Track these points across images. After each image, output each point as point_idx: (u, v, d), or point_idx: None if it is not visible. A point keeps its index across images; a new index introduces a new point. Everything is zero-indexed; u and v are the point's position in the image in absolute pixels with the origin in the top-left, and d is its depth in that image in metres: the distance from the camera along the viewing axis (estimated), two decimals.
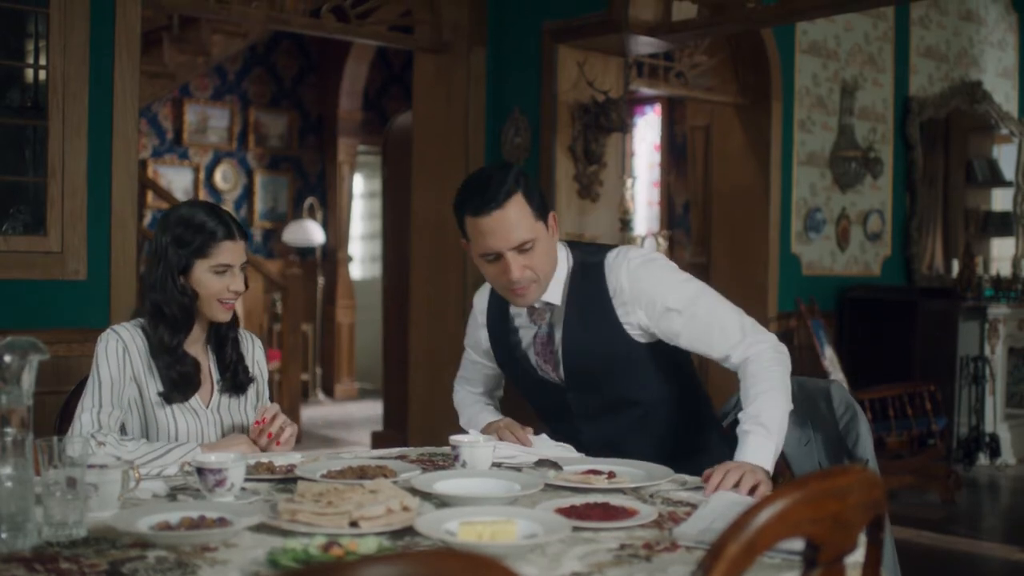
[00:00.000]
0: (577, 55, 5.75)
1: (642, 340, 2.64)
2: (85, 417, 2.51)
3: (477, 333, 2.87)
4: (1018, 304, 7.85)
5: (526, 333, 2.73)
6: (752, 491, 2.18)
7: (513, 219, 2.47)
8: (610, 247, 2.70)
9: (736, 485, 2.19)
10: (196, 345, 2.67)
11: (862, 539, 1.53)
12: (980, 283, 8.00)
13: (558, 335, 2.66)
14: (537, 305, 2.65)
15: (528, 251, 2.50)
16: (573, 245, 2.72)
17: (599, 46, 5.68)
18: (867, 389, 6.64)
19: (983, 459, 7.51)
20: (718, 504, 2.02)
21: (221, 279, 2.60)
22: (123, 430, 2.58)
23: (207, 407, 2.66)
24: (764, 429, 2.37)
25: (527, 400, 2.86)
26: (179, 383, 2.60)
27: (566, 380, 2.68)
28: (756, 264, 7.11)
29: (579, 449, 2.68)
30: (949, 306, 7.45)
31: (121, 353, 2.57)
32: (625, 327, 2.61)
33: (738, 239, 7.28)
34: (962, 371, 7.47)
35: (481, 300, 2.84)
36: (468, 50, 5.99)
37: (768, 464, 2.33)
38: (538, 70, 5.82)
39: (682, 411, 2.75)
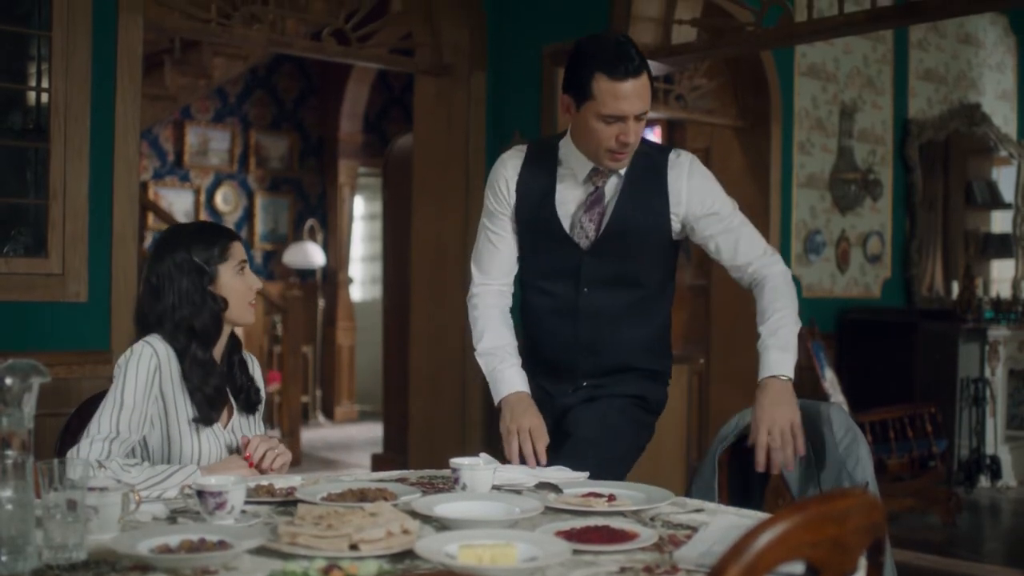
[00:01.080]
0: None
1: (674, 233, 2.89)
2: (96, 446, 2.45)
3: (500, 197, 2.96)
4: (1018, 326, 7.85)
5: (571, 193, 2.88)
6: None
7: (645, 88, 2.70)
8: (670, 147, 2.96)
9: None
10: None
11: (862, 562, 1.53)
12: (980, 305, 8.00)
13: (611, 200, 2.85)
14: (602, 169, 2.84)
15: (641, 120, 2.73)
16: None
17: None
18: (867, 411, 6.63)
19: (984, 481, 7.49)
20: (718, 527, 2.02)
21: (244, 279, 2.66)
22: (144, 445, 2.58)
23: (224, 428, 2.66)
24: (782, 343, 2.71)
25: (530, 262, 2.97)
26: (214, 398, 2.60)
27: (595, 243, 2.85)
28: None
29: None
30: (949, 328, 7.45)
31: (153, 368, 2.54)
32: (671, 215, 2.85)
33: None
34: (962, 393, 7.46)
35: (510, 168, 2.95)
36: (468, 73, 6.01)
37: (790, 371, 2.67)
38: (538, 93, 5.84)
39: (662, 317, 2.98)
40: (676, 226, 2.88)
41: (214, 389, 2.60)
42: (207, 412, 2.58)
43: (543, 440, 2.77)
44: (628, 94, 2.67)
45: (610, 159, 2.77)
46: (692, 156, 2.92)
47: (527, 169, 2.93)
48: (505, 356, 2.95)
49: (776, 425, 2.59)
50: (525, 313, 3.03)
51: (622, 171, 2.83)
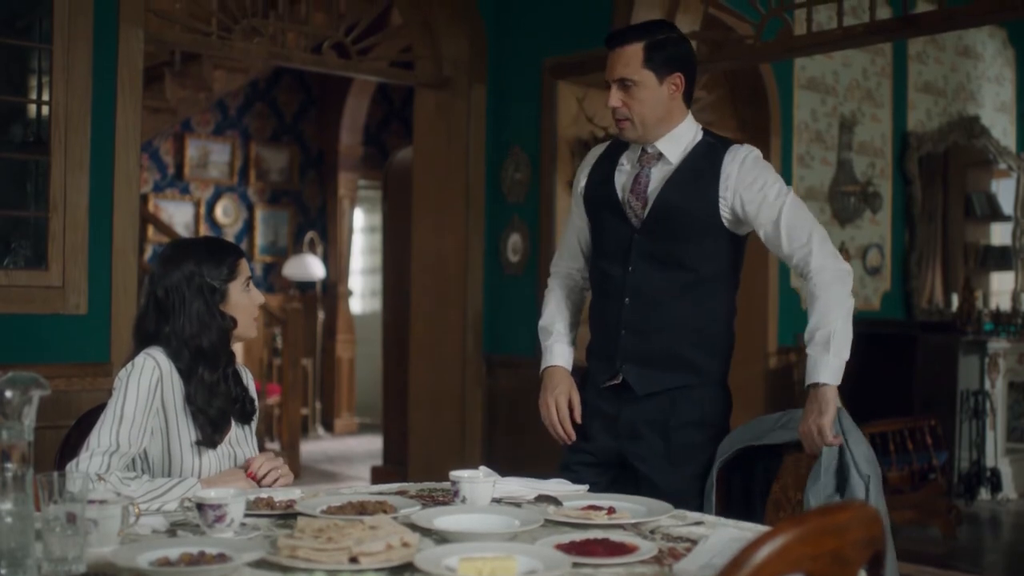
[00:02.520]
0: (577, 91, 5.79)
1: (725, 220, 2.94)
2: (96, 460, 2.45)
3: (577, 180, 3.19)
4: (1018, 338, 7.85)
5: (627, 174, 3.04)
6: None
7: (624, 58, 2.91)
8: (738, 141, 3.06)
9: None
10: None
11: (862, 575, 1.53)
12: (980, 317, 8.00)
13: (655, 182, 2.97)
14: (650, 150, 2.99)
15: (628, 89, 2.91)
16: (707, 131, 3.05)
17: (599, 82, 5.68)
18: (867, 423, 6.61)
19: (984, 494, 7.48)
20: (718, 540, 2.02)
21: (250, 295, 2.69)
22: (145, 457, 2.57)
23: (225, 442, 2.66)
24: (817, 347, 2.85)
25: (596, 244, 3.09)
26: (218, 422, 2.60)
27: (645, 221, 2.95)
28: (756, 298, 7.11)
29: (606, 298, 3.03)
30: (949, 340, 7.44)
31: (155, 381, 2.54)
32: (719, 199, 2.91)
33: None
34: (962, 405, 7.45)
35: (590, 156, 3.18)
36: (468, 86, 6.02)
37: (828, 378, 2.82)
38: (538, 106, 5.85)
39: (713, 310, 3.03)
40: (726, 212, 2.93)
41: (218, 412, 2.60)
42: (210, 435, 2.58)
43: (569, 411, 3.02)
44: (611, 61, 2.94)
45: (616, 127, 3.00)
46: (754, 148, 2.99)
47: (604, 156, 3.13)
48: (554, 332, 3.14)
49: (809, 436, 2.75)
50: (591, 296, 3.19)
51: (676, 159, 2.96)
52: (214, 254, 2.65)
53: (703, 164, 2.94)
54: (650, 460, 2.93)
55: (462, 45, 6.03)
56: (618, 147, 3.10)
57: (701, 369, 2.98)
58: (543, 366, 3.11)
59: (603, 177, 3.07)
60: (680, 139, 2.98)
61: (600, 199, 3.06)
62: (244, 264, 2.69)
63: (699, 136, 3.00)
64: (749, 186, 2.89)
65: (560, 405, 3.02)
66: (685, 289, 2.95)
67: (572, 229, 3.20)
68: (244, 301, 2.67)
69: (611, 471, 2.98)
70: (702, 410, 2.96)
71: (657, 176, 2.97)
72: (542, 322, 3.17)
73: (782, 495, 2.80)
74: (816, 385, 2.80)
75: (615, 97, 2.94)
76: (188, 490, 2.41)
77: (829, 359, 2.82)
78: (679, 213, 2.92)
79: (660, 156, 2.98)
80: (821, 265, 2.86)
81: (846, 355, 2.84)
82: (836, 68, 7.64)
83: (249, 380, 2.82)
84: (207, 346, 2.60)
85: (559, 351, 3.11)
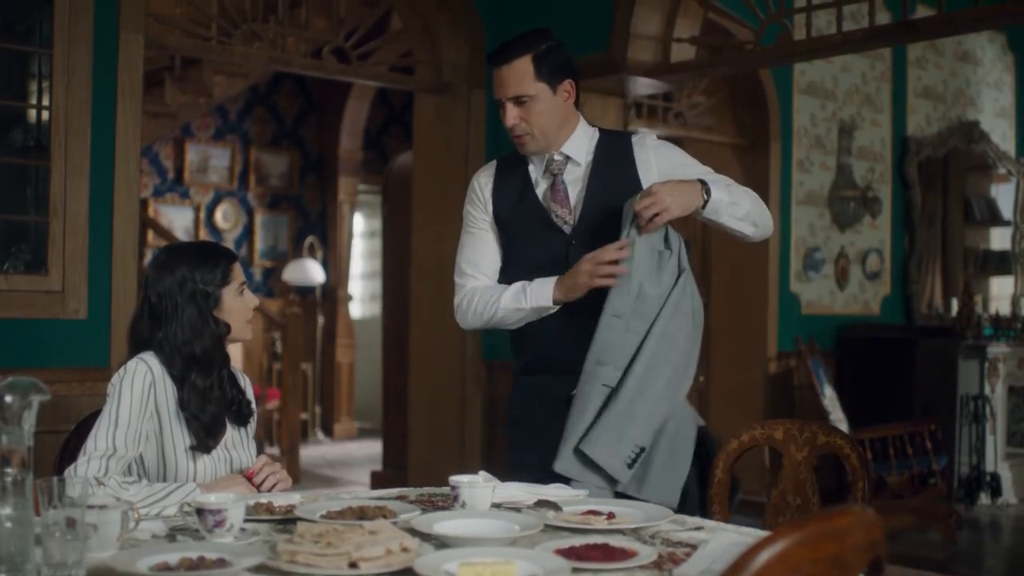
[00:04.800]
0: None
1: None
2: (94, 463, 2.45)
3: (476, 203, 3.07)
4: (1018, 343, 7.85)
5: (543, 187, 3.00)
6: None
7: (513, 75, 2.88)
8: (631, 131, 3.11)
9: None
10: None
11: None
12: (979, 322, 8.00)
13: (575, 187, 2.97)
14: (557, 157, 2.97)
15: (524, 105, 2.89)
16: (599, 127, 3.10)
17: (598, 87, 5.71)
18: (867, 428, 6.63)
19: (984, 498, 7.48)
20: (718, 545, 2.02)
21: (243, 299, 2.67)
22: (140, 462, 2.57)
23: (219, 445, 2.65)
24: (721, 182, 2.85)
25: (517, 261, 3.00)
26: (212, 427, 2.59)
27: (575, 227, 2.94)
28: (755, 303, 7.12)
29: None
30: (949, 345, 7.45)
31: (147, 385, 2.53)
32: (644, 186, 2.88)
33: (737, 278, 7.29)
34: (962, 410, 7.45)
35: (483, 177, 3.08)
36: (468, 90, 6.03)
37: (710, 184, 2.80)
38: None
39: None
40: None
41: (211, 417, 2.59)
42: (204, 440, 2.58)
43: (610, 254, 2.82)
44: (497, 78, 2.92)
45: (516, 143, 2.97)
46: (653, 133, 3.05)
47: (500, 176, 3.06)
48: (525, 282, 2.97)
49: (654, 194, 2.73)
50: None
51: (584, 159, 2.97)
52: (207, 259, 2.64)
53: (613, 156, 2.97)
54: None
55: (462, 50, 6.04)
56: (511, 163, 3.06)
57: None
58: (550, 283, 2.89)
59: (517, 195, 3.00)
60: (581, 140, 3.00)
61: (523, 217, 2.99)
62: (238, 269, 2.69)
63: (597, 134, 3.04)
64: (672, 165, 2.93)
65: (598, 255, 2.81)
66: None
67: (480, 241, 3.04)
68: (238, 306, 2.66)
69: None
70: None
71: (572, 180, 2.98)
72: (505, 299, 2.95)
73: (781, 500, 2.80)
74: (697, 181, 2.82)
75: (511, 115, 2.91)
76: (187, 495, 2.41)
77: (719, 188, 2.83)
78: (609, 210, 2.90)
79: (567, 159, 2.98)
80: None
81: (727, 199, 2.84)
82: (836, 73, 7.65)
83: (246, 383, 2.82)
84: (200, 352, 2.59)
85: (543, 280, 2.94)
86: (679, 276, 2.85)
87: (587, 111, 5.72)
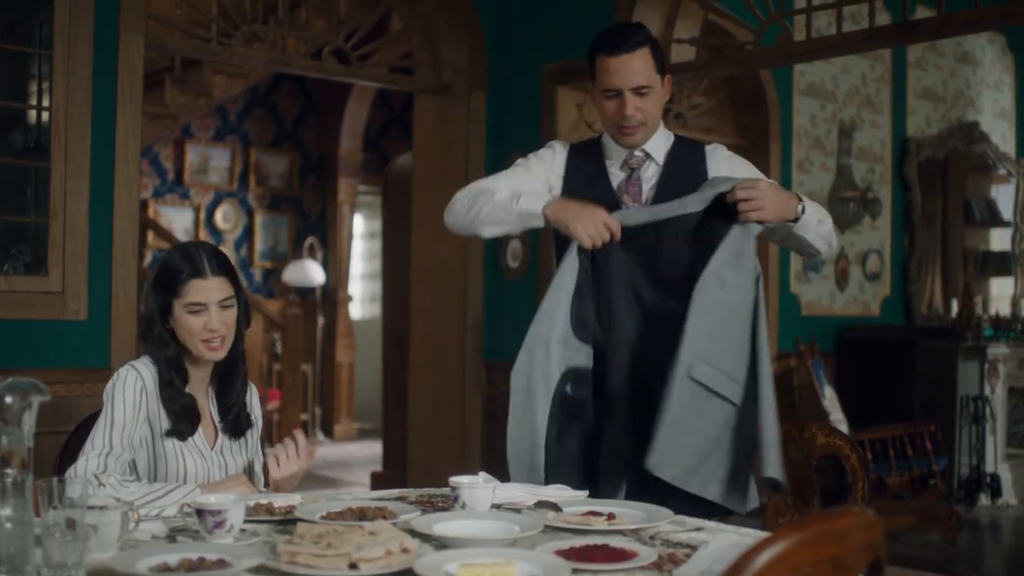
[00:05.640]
0: (576, 97, 5.79)
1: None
2: (92, 461, 2.46)
3: (548, 162, 3.02)
4: (1017, 344, 7.85)
5: (616, 178, 2.99)
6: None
7: (637, 64, 2.87)
8: (704, 141, 3.12)
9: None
10: (199, 387, 2.67)
11: None
12: (979, 323, 8.00)
13: (647, 184, 2.96)
14: (638, 153, 2.97)
15: (644, 95, 2.89)
16: (674, 132, 3.08)
17: None
18: (867, 429, 6.63)
19: (984, 499, 7.48)
20: (718, 546, 2.02)
21: (198, 318, 2.58)
22: (133, 467, 2.58)
23: (212, 449, 2.65)
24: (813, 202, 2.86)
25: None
26: (182, 415, 2.59)
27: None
28: None
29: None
30: (949, 346, 7.45)
31: (139, 391, 2.54)
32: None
33: None
34: (962, 411, 7.45)
35: (558, 147, 3.07)
36: (468, 92, 6.03)
37: (805, 207, 2.79)
38: (537, 112, 5.86)
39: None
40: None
41: (181, 407, 2.59)
42: (177, 425, 2.58)
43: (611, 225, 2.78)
44: (619, 68, 2.87)
45: (620, 134, 2.94)
46: (723, 146, 3.06)
47: (574, 157, 3.04)
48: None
49: (760, 190, 2.71)
50: None
51: (661, 159, 2.97)
52: (164, 268, 2.60)
53: (687, 162, 2.97)
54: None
55: (462, 51, 6.04)
56: (586, 149, 3.05)
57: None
58: (544, 200, 2.85)
59: (589, 180, 2.98)
60: (660, 141, 3.00)
61: (593, 201, 2.89)
62: (193, 288, 2.57)
63: (672, 137, 3.04)
64: (745, 177, 2.89)
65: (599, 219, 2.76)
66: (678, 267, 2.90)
67: (526, 183, 2.96)
68: (187, 322, 2.57)
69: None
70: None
71: (646, 177, 2.98)
72: (503, 192, 2.88)
73: (781, 500, 2.80)
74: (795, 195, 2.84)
75: (632, 104, 2.89)
76: (187, 495, 2.41)
77: (811, 204, 2.86)
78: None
79: (648, 157, 2.98)
80: None
81: (817, 216, 2.86)
82: (835, 74, 7.65)
83: (252, 394, 2.81)
84: (160, 356, 2.60)
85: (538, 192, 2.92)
86: (757, 279, 2.79)
87: (588, 112, 5.76)
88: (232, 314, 2.63)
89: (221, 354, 2.63)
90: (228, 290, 2.62)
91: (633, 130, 2.92)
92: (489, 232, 2.93)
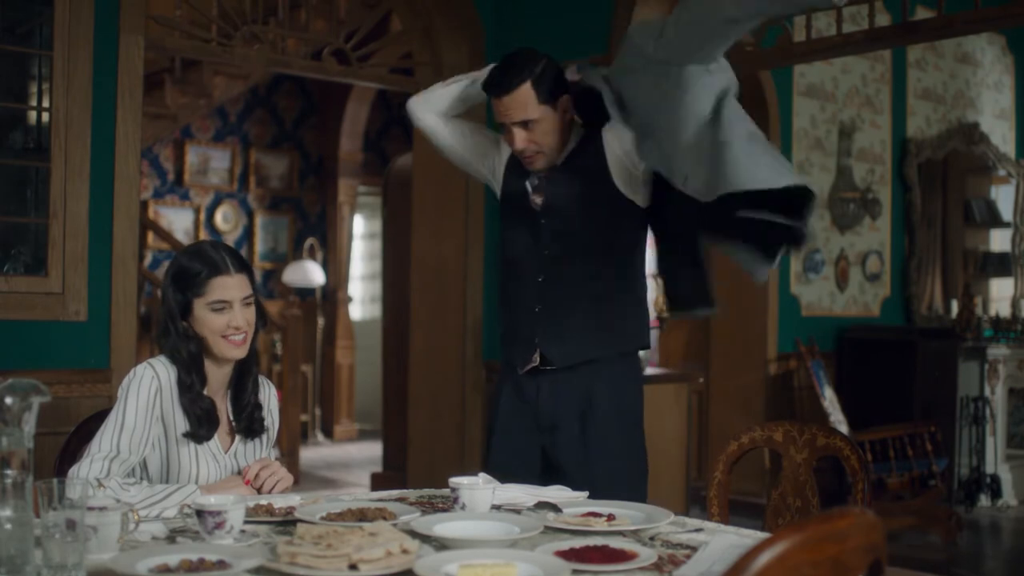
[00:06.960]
0: None
1: (621, 184, 3.08)
2: (96, 464, 2.45)
3: (497, 146, 3.31)
4: (1018, 344, 7.85)
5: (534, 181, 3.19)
6: None
7: (518, 103, 3.00)
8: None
9: None
10: (218, 389, 2.67)
11: None
12: (979, 324, 8.00)
13: (555, 184, 3.14)
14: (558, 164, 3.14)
15: (532, 128, 3.03)
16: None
17: None
18: (867, 430, 6.63)
19: (984, 500, 7.48)
20: (717, 547, 2.02)
21: (221, 316, 2.58)
22: (144, 467, 2.57)
23: (226, 453, 2.65)
24: None
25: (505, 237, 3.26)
26: (203, 419, 2.58)
27: (542, 208, 3.13)
28: (755, 305, 7.11)
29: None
30: (949, 347, 7.45)
31: (154, 391, 2.53)
32: (609, 166, 3.07)
33: (737, 280, 7.26)
34: (962, 412, 7.45)
35: (506, 153, 3.28)
36: None
37: None
38: None
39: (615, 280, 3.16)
40: (625, 176, 3.07)
41: (202, 410, 2.58)
42: (196, 429, 2.57)
43: None
44: (500, 108, 3.05)
45: (526, 162, 3.12)
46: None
47: (512, 159, 3.26)
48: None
49: None
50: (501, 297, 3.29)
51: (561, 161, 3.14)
52: (184, 268, 2.60)
53: (585, 146, 3.13)
54: (568, 450, 3.06)
55: (462, 52, 6.03)
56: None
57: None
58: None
59: (518, 176, 3.21)
60: (569, 147, 3.15)
61: (512, 197, 3.23)
62: (216, 285, 2.58)
63: (581, 134, 3.16)
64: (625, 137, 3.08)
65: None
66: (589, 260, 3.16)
67: (476, 131, 3.38)
68: (209, 320, 2.58)
69: (535, 469, 3.11)
70: (620, 396, 3.08)
71: (552, 179, 3.18)
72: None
73: (780, 501, 2.80)
74: None
75: (520, 139, 3.04)
76: (187, 496, 2.41)
77: None
78: (570, 203, 3.15)
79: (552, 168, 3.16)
80: None
81: None
82: (835, 75, 7.65)
83: (271, 395, 2.81)
84: (179, 358, 2.58)
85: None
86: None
87: None
88: (252, 311, 2.66)
89: (244, 351, 2.63)
90: (248, 288, 2.64)
91: (531, 159, 3.08)
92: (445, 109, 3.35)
